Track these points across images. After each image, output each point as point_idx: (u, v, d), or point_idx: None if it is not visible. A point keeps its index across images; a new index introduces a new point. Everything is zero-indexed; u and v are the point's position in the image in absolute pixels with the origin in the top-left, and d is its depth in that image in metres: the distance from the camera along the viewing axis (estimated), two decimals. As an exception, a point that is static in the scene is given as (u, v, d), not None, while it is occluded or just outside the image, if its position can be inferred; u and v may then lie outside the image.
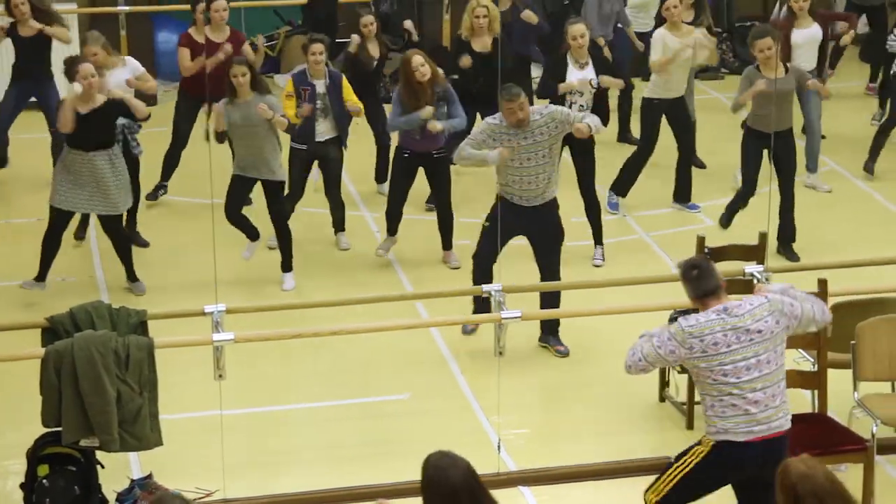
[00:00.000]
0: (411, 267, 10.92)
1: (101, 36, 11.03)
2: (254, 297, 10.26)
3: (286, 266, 10.60)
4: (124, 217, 10.72)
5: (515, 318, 7.98)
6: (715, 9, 14.79)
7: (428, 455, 5.53)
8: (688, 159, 11.97)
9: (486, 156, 9.19)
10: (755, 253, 8.79)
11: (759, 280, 8.10)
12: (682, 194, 11.98)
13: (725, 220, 11.12)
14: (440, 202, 10.96)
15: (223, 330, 7.65)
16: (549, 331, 9.58)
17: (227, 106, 10.30)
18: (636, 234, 11.58)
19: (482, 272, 9.31)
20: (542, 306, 9.38)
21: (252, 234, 10.67)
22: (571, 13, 14.12)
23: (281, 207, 10.53)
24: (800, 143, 11.69)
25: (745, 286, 8.15)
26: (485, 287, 8.37)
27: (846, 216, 11.90)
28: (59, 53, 11.80)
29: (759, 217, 9.38)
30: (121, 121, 10.55)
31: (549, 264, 9.41)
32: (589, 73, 10.73)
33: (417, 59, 10.43)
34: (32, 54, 12.08)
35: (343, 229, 11.40)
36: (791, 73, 10.84)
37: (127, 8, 14.44)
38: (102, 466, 7.67)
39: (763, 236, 8.80)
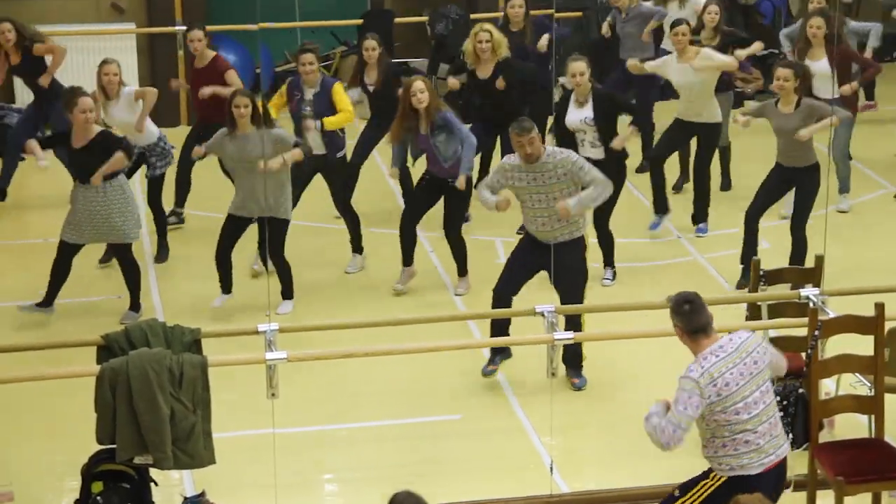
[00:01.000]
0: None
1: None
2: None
3: (286, 294, 10.44)
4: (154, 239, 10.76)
5: (568, 339, 7.94)
6: (771, 29, 14.69)
7: (395, 493, 5.70)
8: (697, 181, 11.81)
9: (487, 201, 9.31)
10: (811, 276, 8.71)
11: (814, 304, 8.03)
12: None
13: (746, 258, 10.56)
14: (446, 229, 10.78)
15: (276, 349, 7.68)
16: (569, 363, 9.35)
17: (225, 138, 10.02)
18: (690, 255, 11.53)
19: (498, 305, 9.18)
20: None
21: (227, 286, 10.36)
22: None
23: (278, 247, 10.24)
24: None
25: (800, 309, 8.10)
26: (537, 308, 8.31)
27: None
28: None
29: (816, 241, 9.31)
30: (145, 142, 10.67)
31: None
32: (587, 111, 10.53)
33: (418, 85, 10.35)
34: (28, 79, 12.23)
35: (357, 251, 11.20)
36: (800, 111, 10.23)
37: (184, 27, 14.54)
38: (156, 484, 7.70)
39: (819, 259, 8.72)
